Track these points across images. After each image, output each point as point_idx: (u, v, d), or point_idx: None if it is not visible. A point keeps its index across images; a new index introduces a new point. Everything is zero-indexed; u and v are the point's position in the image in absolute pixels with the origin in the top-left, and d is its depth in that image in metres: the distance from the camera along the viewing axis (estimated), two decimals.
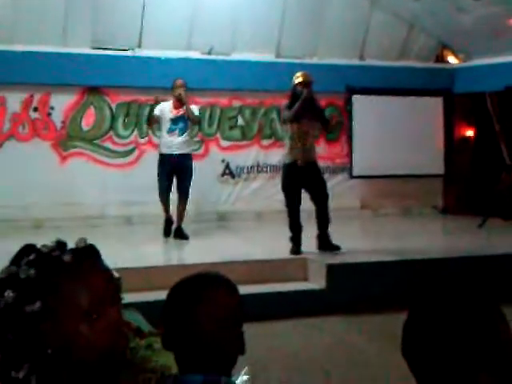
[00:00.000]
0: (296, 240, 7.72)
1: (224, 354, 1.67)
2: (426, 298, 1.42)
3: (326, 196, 7.77)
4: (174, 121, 8.49)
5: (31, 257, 1.35)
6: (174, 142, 8.47)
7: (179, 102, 8.46)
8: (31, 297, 1.30)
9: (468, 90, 11.13)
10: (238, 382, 1.91)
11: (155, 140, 9.65)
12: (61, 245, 1.38)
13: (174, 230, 8.66)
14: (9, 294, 1.31)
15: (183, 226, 8.63)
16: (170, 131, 8.50)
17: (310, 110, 7.69)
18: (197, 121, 8.67)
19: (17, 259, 1.36)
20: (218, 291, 1.70)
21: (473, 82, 10.93)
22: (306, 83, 7.72)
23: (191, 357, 1.66)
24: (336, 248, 7.70)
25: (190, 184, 8.60)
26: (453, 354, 1.33)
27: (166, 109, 8.54)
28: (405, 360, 1.41)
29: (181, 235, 8.59)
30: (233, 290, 1.74)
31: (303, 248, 7.72)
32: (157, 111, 8.62)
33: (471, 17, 9.69)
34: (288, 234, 7.78)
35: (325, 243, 7.72)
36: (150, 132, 9.99)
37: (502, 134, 10.98)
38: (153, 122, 8.78)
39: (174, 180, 8.62)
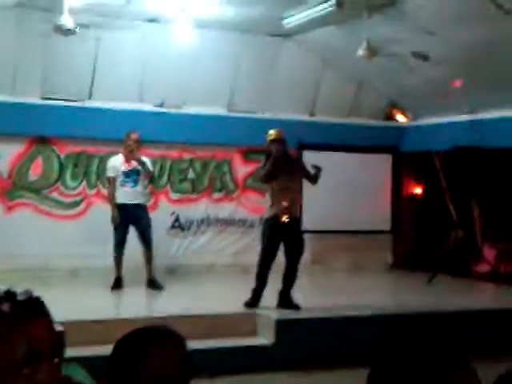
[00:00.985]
0: (257, 293, 7.64)
1: None
2: (391, 353, 1.38)
3: (301, 254, 7.71)
4: (127, 174, 8.55)
5: None
6: (128, 193, 8.51)
7: (130, 154, 8.47)
8: None
9: (416, 148, 11.33)
10: None
11: (103, 191, 9.55)
12: (9, 294, 1.30)
13: (146, 282, 8.63)
14: None
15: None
16: (123, 183, 8.55)
17: (288, 166, 7.71)
18: (151, 176, 8.73)
19: None
20: (165, 345, 1.62)
21: (420, 140, 11.14)
22: (275, 140, 7.77)
23: None
24: (296, 307, 7.59)
25: (150, 232, 8.60)
26: None
27: (118, 163, 8.58)
28: None
29: (155, 285, 8.58)
30: (180, 345, 1.65)
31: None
32: (110, 172, 8.67)
33: (419, 77, 9.92)
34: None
35: (286, 301, 7.63)
36: (99, 183, 9.88)
37: (448, 192, 11.17)
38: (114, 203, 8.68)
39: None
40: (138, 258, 8.67)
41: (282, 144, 7.76)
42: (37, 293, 1.38)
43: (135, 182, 8.53)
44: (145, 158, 8.75)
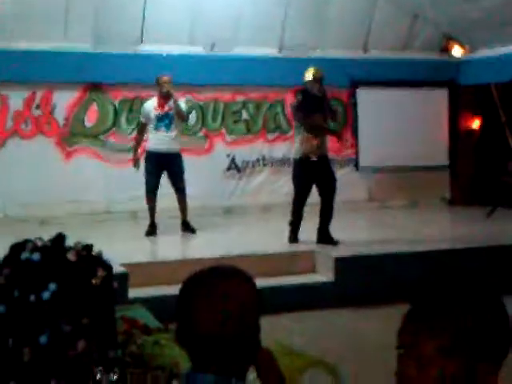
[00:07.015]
0: (295, 226, 7.80)
1: (239, 351, 1.60)
2: (427, 290, 1.44)
3: (334, 191, 7.80)
4: (160, 118, 8.37)
5: None
6: (161, 139, 8.35)
7: (165, 99, 8.32)
8: None
9: (473, 81, 11.04)
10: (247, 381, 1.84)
11: None
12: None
13: (180, 224, 8.62)
14: None
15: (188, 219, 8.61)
16: (157, 128, 8.38)
17: (321, 105, 7.72)
18: (184, 117, 8.57)
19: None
20: (237, 283, 1.63)
21: (478, 73, 10.84)
22: (316, 79, 7.72)
23: (204, 354, 1.58)
24: (335, 243, 7.73)
25: (182, 180, 8.46)
26: (452, 344, 1.33)
27: (150, 108, 8.42)
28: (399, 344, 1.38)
29: (188, 229, 8.58)
30: (250, 282, 1.66)
31: (310, 240, 7.75)
32: (142, 118, 8.58)
33: (476, 7, 9.59)
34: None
35: (325, 237, 7.76)
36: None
37: (507, 125, 10.91)
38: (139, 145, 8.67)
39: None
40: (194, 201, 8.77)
41: (321, 83, 7.74)
42: (99, 236, 1.41)
43: (168, 126, 8.34)
44: (180, 101, 8.59)
